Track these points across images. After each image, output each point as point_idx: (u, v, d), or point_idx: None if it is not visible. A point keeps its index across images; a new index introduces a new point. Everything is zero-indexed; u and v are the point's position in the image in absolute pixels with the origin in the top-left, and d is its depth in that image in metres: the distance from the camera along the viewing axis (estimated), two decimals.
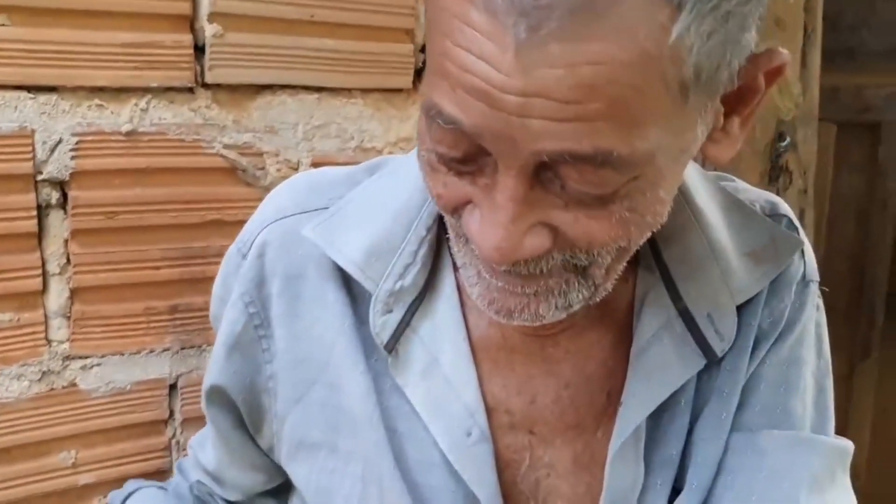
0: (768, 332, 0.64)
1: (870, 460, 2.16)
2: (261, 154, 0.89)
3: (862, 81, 2.01)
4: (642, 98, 0.43)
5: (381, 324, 0.61)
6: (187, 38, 0.83)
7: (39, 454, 0.84)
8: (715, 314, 0.61)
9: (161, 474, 0.89)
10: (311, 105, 0.91)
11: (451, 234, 0.57)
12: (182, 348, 0.88)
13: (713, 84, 0.46)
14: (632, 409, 0.60)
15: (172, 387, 0.89)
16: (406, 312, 0.61)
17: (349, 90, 0.92)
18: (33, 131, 0.78)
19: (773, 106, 1.07)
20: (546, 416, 0.63)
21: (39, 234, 0.81)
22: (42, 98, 0.78)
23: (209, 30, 0.84)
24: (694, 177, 0.64)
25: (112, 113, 0.81)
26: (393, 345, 0.61)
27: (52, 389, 0.83)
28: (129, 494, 0.79)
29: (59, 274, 0.82)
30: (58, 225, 0.81)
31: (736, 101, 0.50)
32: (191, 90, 0.84)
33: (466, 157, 0.47)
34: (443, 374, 0.61)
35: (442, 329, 0.61)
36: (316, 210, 0.65)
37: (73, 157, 0.80)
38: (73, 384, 0.84)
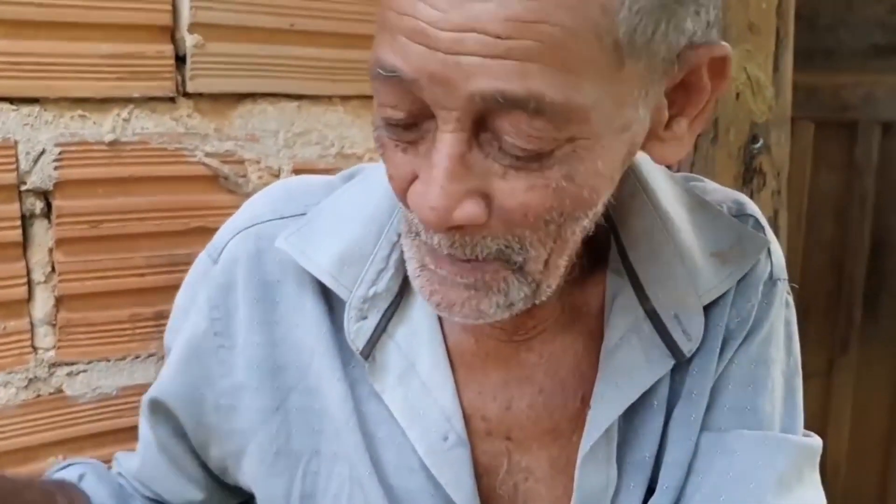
0: (736, 332, 0.64)
1: (849, 454, 2.19)
2: (242, 162, 0.90)
3: (839, 81, 2.03)
4: (574, 42, 0.43)
5: (356, 330, 0.61)
6: (168, 49, 0.84)
7: (28, 460, 0.85)
8: (682, 315, 0.61)
9: None
10: (291, 113, 0.92)
11: (402, 228, 0.57)
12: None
13: (650, 56, 0.46)
14: (600, 412, 0.61)
15: None
16: (381, 318, 0.61)
17: (329, 97, 0.94)
18: (16, 142, 0.79)
19: (747, 109, 1.09)
20: (522, 421, 0.63)
21: (24, 244, 0.82)
22: (25, 109, 0.79)
23: (190, 40, 0.85)
24: (659, 179, 0.65)
25: (94, 123, 0.82)
26: (369, 351, 0.61)
27: (39, 396, 0.84)
28: (81, 476, 0.74)
29: (45, 282, 0.83)
30: (42, 234, 0.82)
31: (683, 101, 0.51)
32: (172, 100, 0.86)
33: (409, 118, 0.48)
34: (420, 380, 0.61)
35: (418, 334, 0.62)
36: (292, 216, 0.65)
37: (56, 168, 0.81)
38: (60, 390, 0.85)
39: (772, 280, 0.66)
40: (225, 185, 0.89)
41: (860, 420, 2.18)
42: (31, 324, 0.83)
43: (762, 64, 1.08)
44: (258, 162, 0.91)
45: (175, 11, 0.84)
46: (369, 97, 0.96)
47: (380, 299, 0.61)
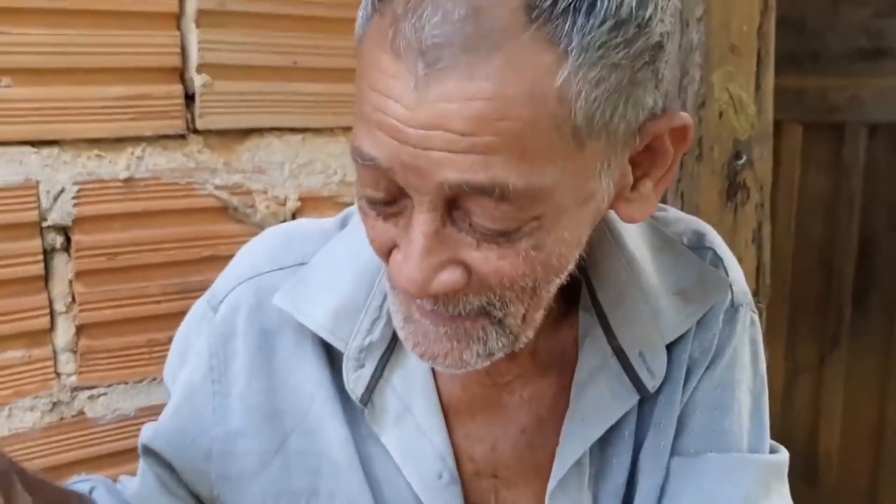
0: (699, 361, 0.67)
1: (840, 447, 2.23)
2: (250, 193, 0.95)
3: (826, 84, 2.06)
4: (533, 133, 0.46)
5: (355, 379, 0.64)
6: (178, 89, 0.89)
7: (52, 478, 0.89)
8: (646, 353, 0.64)
9: None
10: (296, 145, 0.97)
11: (385, 283, 0.60)
12: None
13: (610, 134, 0.49)
14: (568, 446, 0.64)
15: None
16: (377, 365, 0.64)
17: (331, 129, 0.98)
18: (38, 182, 0.84)
19: (730, 127, 1.14)
20: (507, 460, 0.67)
21: (46, 277, 0.86)
22: (45, 151, 0.84)
23: (198, 80, 0.90)
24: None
25: (110, 162, 0.87)
26: (367, 397, 0.64)
27: (63, 419, 0.90)
28: (91, 489, 0.76)
29: (66, 312, 0.88)
30: (63, 267, 0.87)
31: (648, 164, 0.54)
32: (183, 137, 0.90)
33: (388, 197, 0.51)
34: (415, 422, 0.65)
35: (413, 379, 0.65)
36: (290, 266, 0.67)
37: (75, 205, 0.86)
38: (82, 413, 0.91)
39: (733, 307, 0.69)
40: (234, 215, 0.94)
41: (851, 413, 2.22)
42: (54, 351, 0.88)
43: (744, 84, 1.12)
44: (265, 192, 0.96)
45: (184, 53, 0.89)
46: None
47: (375, 348, 0.64)
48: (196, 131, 0.91)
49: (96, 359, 0.90)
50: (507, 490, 0.68)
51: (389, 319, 0.63)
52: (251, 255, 0.71)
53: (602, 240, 0.65)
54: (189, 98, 0.90)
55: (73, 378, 0.90)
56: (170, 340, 0.92)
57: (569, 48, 0.45)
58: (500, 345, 0.55)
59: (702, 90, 1.10)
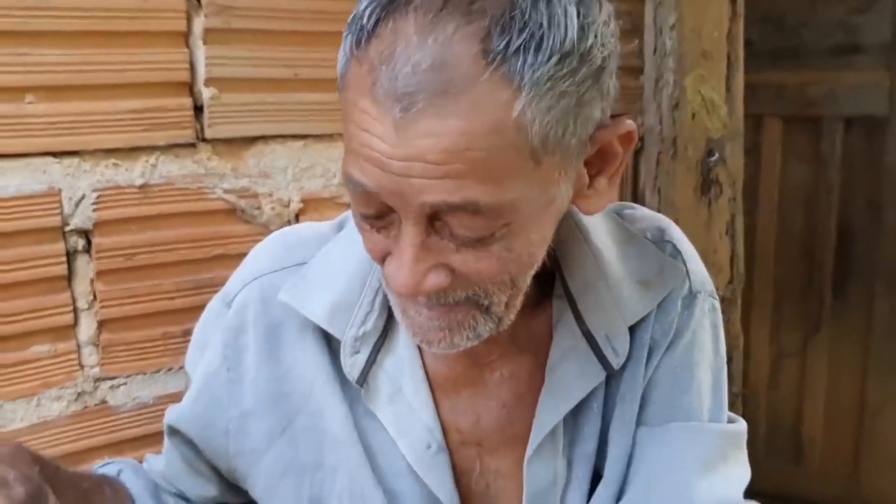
0: (660, 342, 0.74)
1: (824, 427, 2.31)
2: (256, 196, 1.02)
3: (804, 79, 2.13)
4: (497, 159, 0.53)
5: (351, 364, 0.72)
6: (188, 101, 0.96)
7: (78, 463, 0.97)
8: (611, 335, 0.72)
9: None
10: (298, 151, 1.04)
11: (382, 281, 0.68)
12: None
13: (563, 149, 0.56)
14: (544, 418, 0.72)
15: None
16: (371, 352, 0.72)
17: (331, 135, 1.06)
18: (60, 190, 0.91)
19: (703, 127, 1.21)
20: (489, 431, 0.75)
21: (69, 277, 0.94)
22: (66, 161, 0.91)
23: (206, 93, 0.97)
24: (594, 219, 0.73)
25: (126, 170, 0.94)
26: (363, 380, 0.72)
27: (87, 407, 0.97)
28: (119, 471, 0.84)
29: (88, 309, 0.95)
30: (84, 268, 0.95)
31: (601, 164, 0.62)
32: (193, 145, 0.98)
33: (378, 213, 0.59)
34: (406, 401, 0.72)
35: (402, 363, 0.73)
36: (291, 266, 0.75)
37: (95, 210, 0.93)
38: (104, 402, 0.98)
39: (691, 294, 0.76)
40: (242, 217, 1.01)
41: (833, 395, 2.29)
42: (78, 345, 0.96)
43: (716, 86, 1.19)
44: (270, 195, 1.03)
45: (192, 69, 0.96)
46: None
47: (369, 336, 0.72)
48: (205, 140, 0.98)
49: (116, 351, 0.97)
50: (490, 457, 0.76)
51: (381, 312, 0.72)
52: (256, 259, 0.79)
53: (571, 236, 0.72)
54: (198, 109, 0.97)
55: (96, 369, 0.97)
56: (184, 333, 1.01)
57: (521, 84, 0.52)
58: (488, 328, 0.64)
59: (675, 93, 1.17)
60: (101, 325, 0.96)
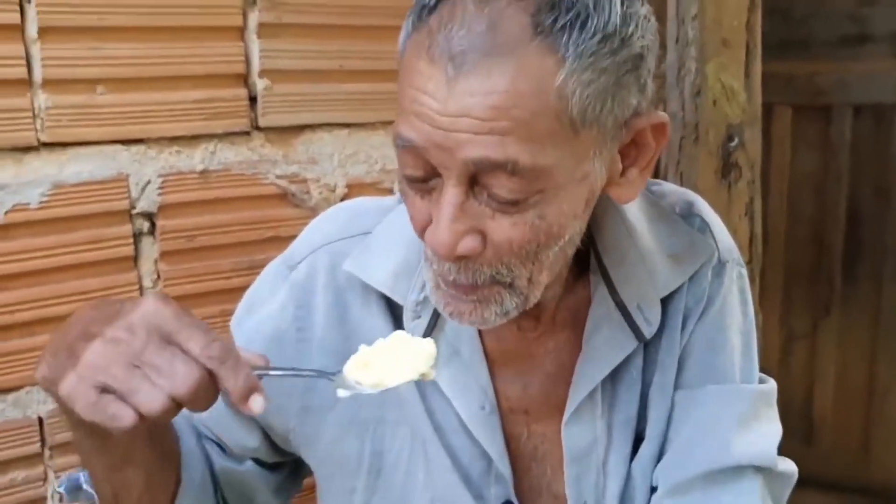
0: (693, 310, 0.79)
1: (834, 408, 2.37)
2: (305, 181, 1.09)
3: (813, 68, 2.18)
4: (539, 122, 0.57)
5: (413, 327, 0.75)
6: (243, 92, 1.03)
7: None
8: (643, 305, 0.76)
9: None
10: (343, 138, 1.10)
11: (425, 253, 0.71)
12: None
13: (600, 126, 0.60)
14: (579, 385, 0.77)
15: None
16: (431, 316, 0.76)
17: (373, 124, 1.12)
18: (127, 176, 0.98)
19: (723, 112, 1.27)
20: (535, 400, 0.79)
21: (135, 257, 1.00)
22: (133, 149, 0.98)
23: (260, 84, 1.03)
24: None
25: (188, 157, 1.01)
26: None
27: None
28: None
29: (152, 287, 1.02)
30: (149, 249, 1.01)
31: (634, 155, 0.67)
32: (248, 134, 1.04)
33: (423, 175, 0.62)
34: (462, 362, 0.77)
35: (460, 328, 0.77)
36: (357, 235, 0.80)
37: (159, 194, 1.00)
38: None
39: (720, 263, 0.80)
40: (292, 201, 1.08)
41: (843, 376, 2.35)
42: None
43: (735, 73, 1.25)
44: (318, 180, 1.09)
45: (247, 61, 1.02)
46: None
47: (429, 301, 0.75)
48: (259, 128, 1.05)
49: None
50: (537, 424, 0.81)
51: None
52: (323, 227, 0.84)
53: (606, 212, 0.77)
54: (252, 100, 1.04)
55: None
56: None
57: (566, 55, 0.57)
58: (514, 304, 0.67)
59: (697, 80, 1.24)
60: None
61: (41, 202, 0.93)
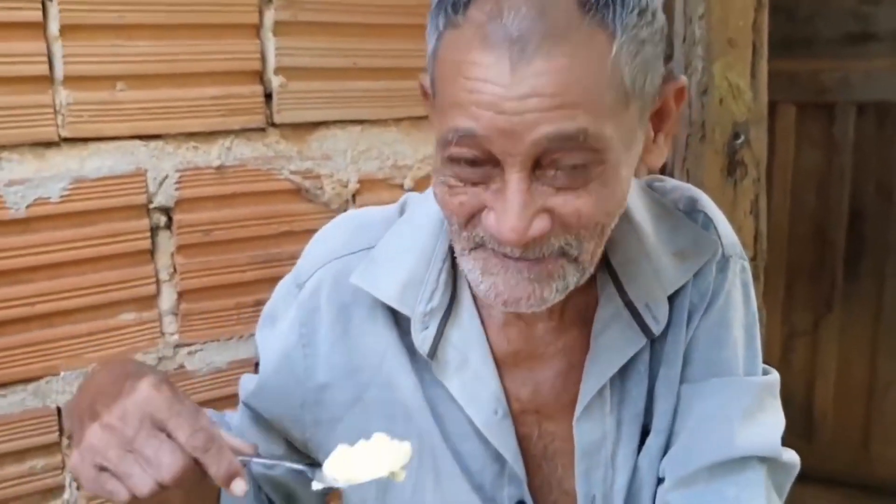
0: (698, 306, 0.80)
1: (835, 404, 2.38)
2: (319, 177, 1.10)
3: (817, 66, 2.20)
4: (601, 94, 0.61)
5: (422, 338, 0.77)
6: (259, 89, 1.04)
7: None
8: (651, 304, 0.77)
9: None
10: (356, 135, 1.12)
11: (458, 250, 0.70)
12: None
13: (644, 97, 0.64)
14: (589, 382, 0.78)
15: (257, 364, 1.11)
16: (439, 326, 0.78)
17: (385, 120, 1.14)
18: (146, 170, 0.99)
19: (729, 111, 1.29)
20: (546, 399, 0.81)
21: (152, 251, 1.02)
22: (152, 144, 0.99)
23: (275, 81, 1.05)
24: (632, 195, 0.78)
25: (205, 152, 1.02)
26: (432, 352, 0.77)
27: (167, 371, 1.05)
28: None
29: (169, 281, 1.04)
30: (166, 242, 1.03)
31: (660, 121, 0.70)
32: (263, 130, 1.06)
33: (478, 163, 0.63)
34: (473, 370, 0.78)
35: (468, 335, 0.78)
36: (361, 250, 0.81)
37: (176, 189, 1.01)
38: (182, 366, 1.07)
39: (724, 258, 0.82)
40: (306, 196, 1.10)
41: (844, 373, 2.37)
42: (160, 314, 1.04)
43: (741, 72, 1.27)
44: (331, 176, 1.11)
45: (263, 59, 1.04)
46: (418, 118, 1.16)
47: (436, 311, 0.78)
48: (274, 125, 1.06)
49: (194, 320, 1.06)
50: (548, 422, 0.82)
51: (445, 289, 0.78)
52: (326, 242, 0.85)
53: None
54: (267, 97, 1.05)
55: (175, 337, 1.05)
56: (255, 303, 1.09)
57: (614, 30, 0.61)
58: (575, 279, 0.69)
59: (704, 79, 1.25)
60: (181, 295, 1.04)
61: (62, 196, 0.95)
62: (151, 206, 1.01)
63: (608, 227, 0.69)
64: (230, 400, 1.10)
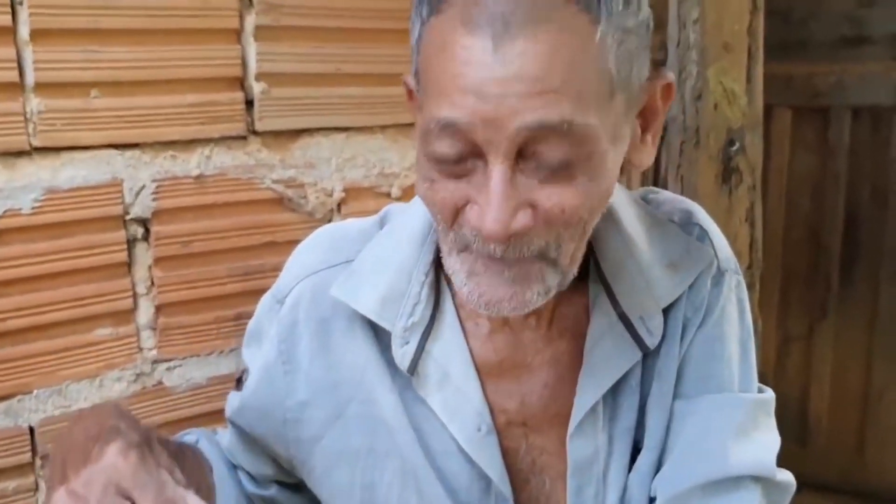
0: (692, 320, 0.78)
1: (830, 410, 2.37)
2: (302, 185, 1.07)
3: (812, 70, 2.18)
4: (585, 81, 0.59)
5: (402, 354, 0.75)
6: (239, 96, 1.01)
7: None
8: (645, 316, 0.76)
9: None
10: (341, 142, 1.09)
11: (444, 250, 0.70)
12: None
13: (630, 88, 0.62)
14: (583, 396, 0.76)
15: (238, 380, 1.08)
16: (420, 340, 0.75)
17: (371, 128, 1.11)
18: (122, 180, 0.96)
19: (724, 117, 1.26)
20: (533, 411, 0.78)
21: (129, 263, 0.99)
22: (128, 153, 0.96)
23: (256, 87, 1.02)
24: (624, 205, 0.77)
25: (183, 161, 0.99)
26: (413, 368, 0.76)
27: (145, 388, 1.02)
28: (197, 440, 0.89)
29: (146, 294, 1.00)
30: (143, 254, 0.99)
31: (647, 120, 0.68)
32: (244, 138, 1.02)
33: (460, 156, 0.61)
34: (454, 385, 0.76)
35: (449, 349, 0.76)
36: (339, 264, 0.79)
37: (154, 199, 0.98)
38: (161, 383, 1.03)
39: (719, 272, 0.80)
40: (289, 205, 1.06)
41: (839, 378, 2.35)
42: (137, 329, 1.01)
43: (737, 77, 1.24)
44: (315, 185, 1.08)
45: (244, 64, 1.01)
46: (404, 125, 1.13)
47: (417, 326, 0.76)
48: (255, 132, 1.03)
49: (173, 335, 1.02)
50: (535, 435, 0.80)
51: (427, 303, 0.76)
52: (305, 256, 0.83)
53: (605, 222, 0.75)
54: (248, 104, 1.02)
55: (154, 352, 1.02)
56: (236, 317, 1.06)
57: (599, 15, 0.59)
58: (555, 282, 0.67)
59: (698, 84, 1.23)
60: (159, 309, 1.01)
61: (34, 207, 0.91)
62: (128, 217, 0.97)
63: (590, 225, 0.67)
64: (210, 417, 1.07)
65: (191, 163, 1.00)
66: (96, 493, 0.59)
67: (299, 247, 0.85)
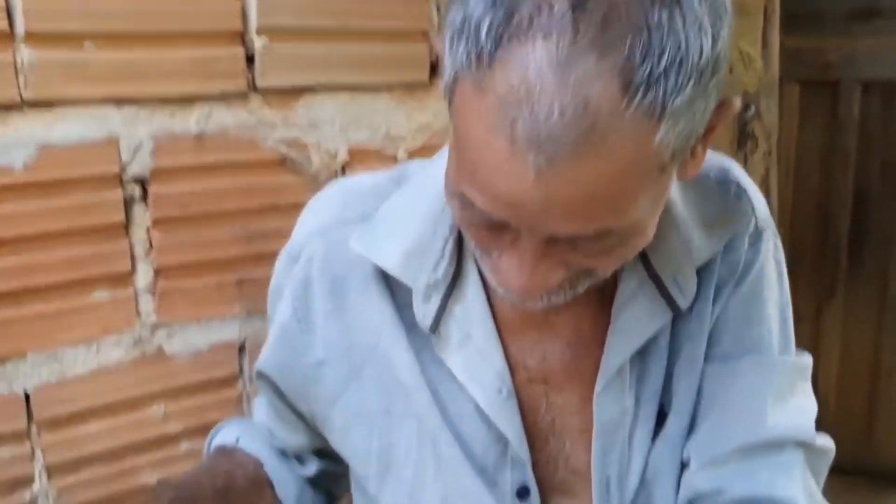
0: (727, 279, 0.75)
1: (838, 392, 2.34)
2: (305, 146, 1.03)
3: (822, 44, 2.14)
4: (634, 186, 0.54)
5: (423, 311, 0.73)
6: (240, 51, 0.97)
7: (136, 408, 0.99)
8: (679, 277, 0.73)
9: None
10: (345, 102, 1.05)
11: (492, 276, 0.67)
12: (248, 314, 1.04)
13: (685, 152, 0.57)
14: (612, 356, 0.73)
15: (241, 347, 1.05)
16: (443, 299, 0.73)
17: (377, 87, 1.07)
18: (118, 138, 0.92)
19: (740, 81, 1.23)
20: (555, 369, 0.76)
21: (126, 225, 0.95)
22: (125, 109, 0.92)
23: (258, 42, 0.98)
24: None
25: (182, 119, 0.95)
26: (435, 326, 0.73)
27: (144, 354, 0.99)
28: (218, 430, 0.89)
29: (145, 257, 0.97)
30: (141, 216, 0.96)
31: (703, 141, 0.62)
32: (245, 95, 0.99)
33: (491, 226, 0.59)
34: (476, 347, 0.74)
35: (471, 310, 0.74)
36: (353, 221, 0.76)
37: (152, 158, 0.94)
38: (161, 349, 1.00)
39: (757, 230, 0.77)
40: (292, 167, 1.03)
41: (847, 359, 2.32)
42: (135, 293, 0.97)
43: (752, 41, 1.21)
44: (319, 146, 1.04)
45: (244, 17, 0.97)
46: (412, 85, 1.09)
47: (440, 284, 0.73)
48: (256, 90, 0.99)
49: (172, 299, 0.99)
50: (556, 394, 0.77)
51: (451, 260, 0.73)
52: (318, 212, 0.81)
53: None
54: (249, 59, 0.98)
55: (153, 317, 0.99)
56: (236, 282, 1.02)
57: (663, 113, 0.51)
58: (586, 286, 0.64)
59: None
60: (158, 273, 0.98)
61: (26, 165, 0.88)
62: (125, 176, 0.94)
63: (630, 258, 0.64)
64: (212, 384, 1.04)
65: (190, 120, 0.96)
66: None
67: (311, 202, 0.82)
